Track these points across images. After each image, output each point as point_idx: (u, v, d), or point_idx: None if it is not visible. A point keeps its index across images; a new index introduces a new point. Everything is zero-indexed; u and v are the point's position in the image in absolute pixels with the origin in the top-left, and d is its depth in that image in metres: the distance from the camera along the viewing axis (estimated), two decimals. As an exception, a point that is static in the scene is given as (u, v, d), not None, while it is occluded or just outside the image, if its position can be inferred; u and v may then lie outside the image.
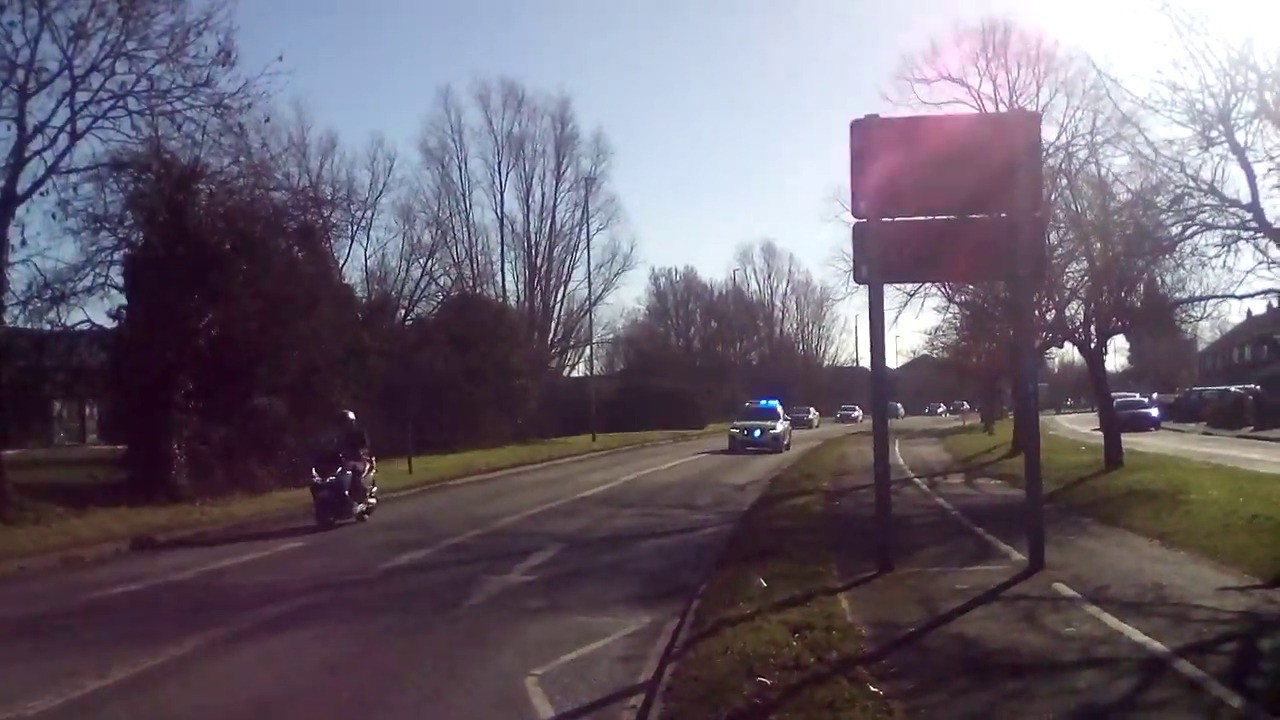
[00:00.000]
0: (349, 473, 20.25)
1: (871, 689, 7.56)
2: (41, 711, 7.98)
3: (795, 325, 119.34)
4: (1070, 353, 55.57)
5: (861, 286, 13.31)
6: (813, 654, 8.54)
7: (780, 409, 50.60)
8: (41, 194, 22.97)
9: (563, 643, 10.03)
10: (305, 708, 8.25)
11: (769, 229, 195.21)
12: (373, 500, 21.46)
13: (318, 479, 20.07)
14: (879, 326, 13.05)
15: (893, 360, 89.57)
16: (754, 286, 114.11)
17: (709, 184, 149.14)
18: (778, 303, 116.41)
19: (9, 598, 13.11)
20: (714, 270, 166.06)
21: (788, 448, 46.06)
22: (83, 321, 25.89)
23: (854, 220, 13.14)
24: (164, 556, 16.50)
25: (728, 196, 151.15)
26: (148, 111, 23.40)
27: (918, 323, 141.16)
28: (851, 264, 13.47)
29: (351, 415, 22.11)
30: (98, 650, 9.88)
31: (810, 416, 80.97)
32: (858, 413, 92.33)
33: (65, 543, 16.98)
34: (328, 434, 21.54)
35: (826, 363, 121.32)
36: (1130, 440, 31.41)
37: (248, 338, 26.83)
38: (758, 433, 46.63)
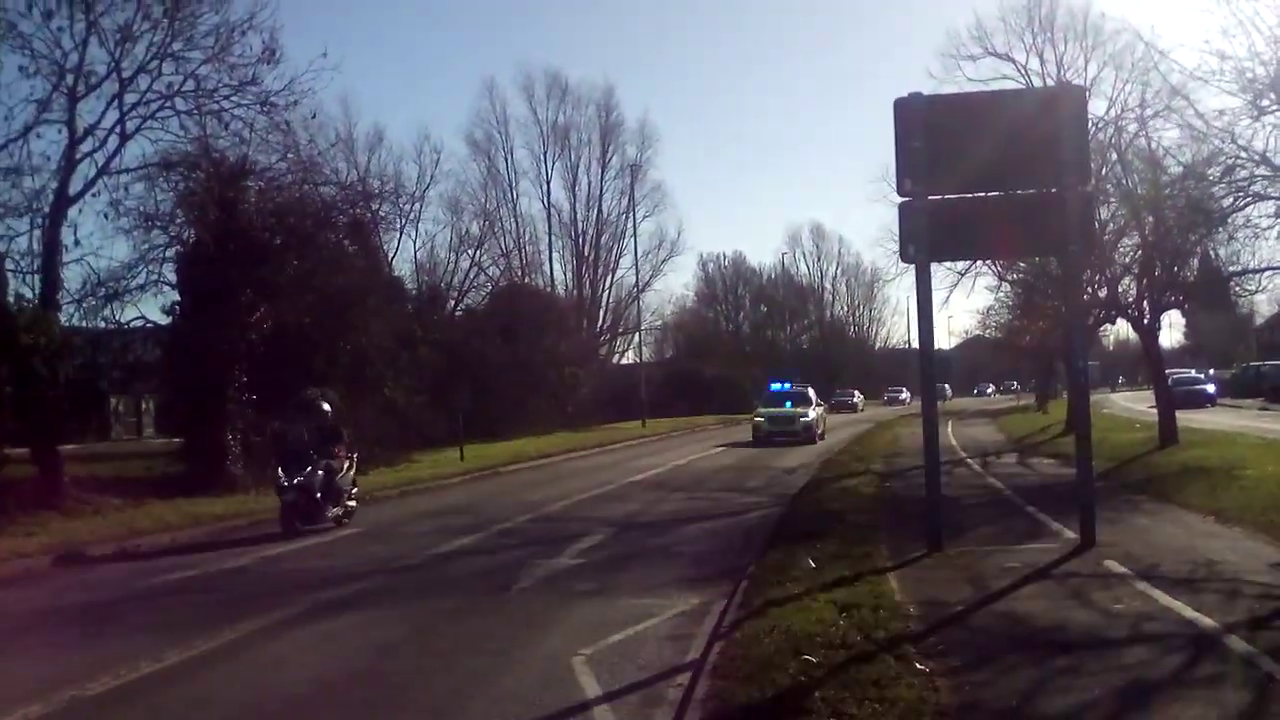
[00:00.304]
0: (320, 472, 17.82)
1: (917, 666, 7.56)
2: (98, 694, 8.15)
3: (846, 308, 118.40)
4: (1125, 330, 55.01)
5: (910, 266, 13.25)
6: (859, 632, 8.54)
7: (811, 392, 44.45)
8: (93, 195, 23.43)
9: (611, 624, 10.10)
10: (355, 688, 8.36)
11: (818, 211, 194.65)
12: (352, 503, 19.03)
13: (283, 479, 17.48)
14: (926, 306, 12.99)
15: (945, 341, 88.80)
16: (803, 269, 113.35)
17: (756, 167, 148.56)
18: (828, 285, 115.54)
19: (67, 586, 13.37)
20: (763, 254, 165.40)
21: (822, 437, 41.06)
22: (137, 318, 26.38)
23: (900, 199, 13.09)
24: (219, 544, 16.74)
25: (775, 179, 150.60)
26: (195, 111, 23.81)
27: (969, 302, 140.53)
28: (899, 244, 13.38)
29: (326, 405, 19.19)
30: (153, 635, 10.07)
31: (855, 400, 78.84)
32: (905, 395, 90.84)
33: (121, 533, 17.25)
34: (296, 426, 18.54)
35: (878, 345, 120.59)
36: (1186, 417, 31.06)
37: (300, 330, 27.15)
38: (784, 421, 40.75)
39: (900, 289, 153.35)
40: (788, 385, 45.18)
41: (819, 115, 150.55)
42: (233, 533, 18.15)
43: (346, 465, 19.00)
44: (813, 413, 41.76)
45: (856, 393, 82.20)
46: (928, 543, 12.61)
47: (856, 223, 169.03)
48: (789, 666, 7.67)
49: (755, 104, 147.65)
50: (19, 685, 8.38)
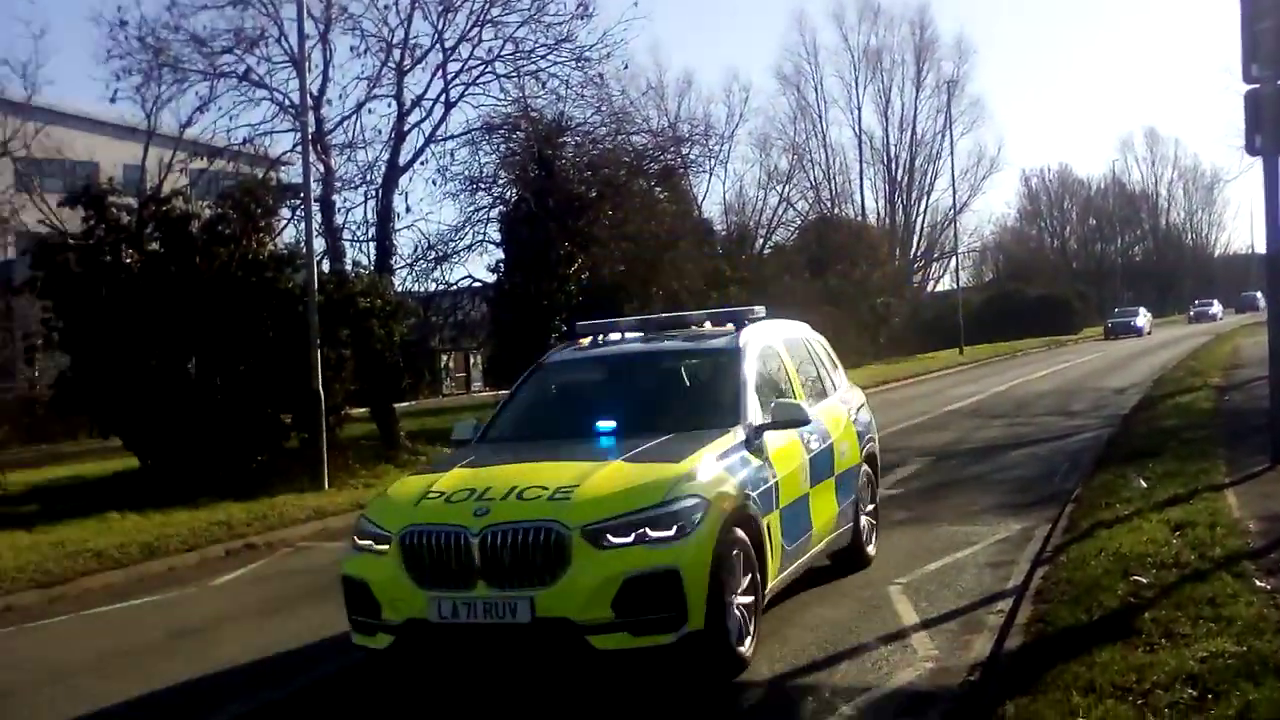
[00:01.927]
0: None
1: (1257, 583, 7.12)
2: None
3: (1183, 214, 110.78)
4: None
5: (1256, 160, 12.20)
6: (1194, 551, 8.12)
7: (747, 365, 8.36)
8: (421, 163, 24.87)
9: (928, 552, 10.07)
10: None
11: (1151, 113, 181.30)
12: None
13: None
14: (1275, 203, 11.98)
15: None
16: (1135, 177, 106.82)
17: (1081, 71, 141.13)
18: (1163, 191, 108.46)
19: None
20: (1090, 164, 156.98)
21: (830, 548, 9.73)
22: (464, 278, 27.99)
23: (1246, 86, 12.08)
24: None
25: (1102, 83, 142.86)
26: (514, 74, 24.75)
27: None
28: (1245, 137, 12.32)
29: None
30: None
31: (1138, 322, 64.79)
32: (1216, 308, 79.27)
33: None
34: None
35: (1217, 252, 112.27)
36: None
37: (614, 279, 27.98)
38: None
39: (1244, 187, 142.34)
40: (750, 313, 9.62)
41: (1148, 7, 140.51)
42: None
43: None
44: (700, 476, 6.93)
45: (1142, 310, 69.15)
46: (1271, 456, 11.78)
47: (1194, 122, 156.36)
48: (1117, 588, 7.40)
49: (1077, 4, 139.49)
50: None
